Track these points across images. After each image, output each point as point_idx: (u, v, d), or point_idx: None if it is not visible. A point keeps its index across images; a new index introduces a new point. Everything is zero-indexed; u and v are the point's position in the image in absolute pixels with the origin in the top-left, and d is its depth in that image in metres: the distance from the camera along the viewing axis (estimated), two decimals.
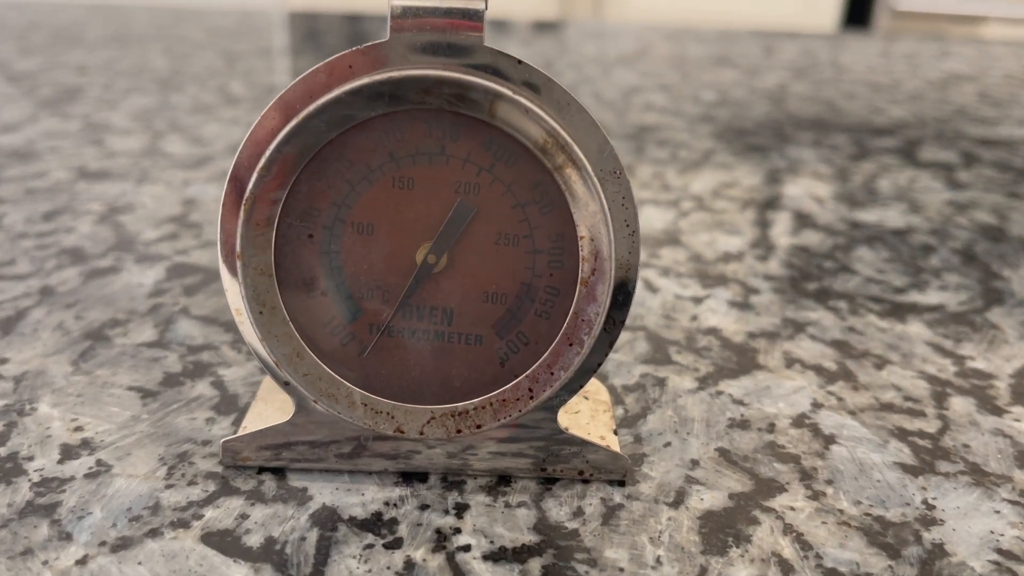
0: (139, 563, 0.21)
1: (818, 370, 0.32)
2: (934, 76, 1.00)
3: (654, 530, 0.23)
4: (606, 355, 0.24)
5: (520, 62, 0.22)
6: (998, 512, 0.25)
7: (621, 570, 0.22)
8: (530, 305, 0.23)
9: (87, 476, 0.24)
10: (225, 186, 0.23)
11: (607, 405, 0.28)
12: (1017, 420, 0.29)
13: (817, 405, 0.30)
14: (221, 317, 0.34)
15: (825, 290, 0.39)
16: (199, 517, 0.23)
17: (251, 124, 0.23)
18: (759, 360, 0.33)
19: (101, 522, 0.23)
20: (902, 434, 0.28)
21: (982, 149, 0.67)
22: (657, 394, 0.30)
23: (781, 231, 0.47)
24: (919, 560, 0.23)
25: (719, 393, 0.30)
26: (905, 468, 0.27)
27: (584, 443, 0.25)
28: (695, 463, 0.26)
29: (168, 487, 0.24)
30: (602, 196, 0.22)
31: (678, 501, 0.25)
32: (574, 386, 0.24)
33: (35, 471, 0.25)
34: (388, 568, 0.22)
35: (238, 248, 0.22)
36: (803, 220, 0.49)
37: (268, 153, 0.22)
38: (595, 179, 0.22)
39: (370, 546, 0.22)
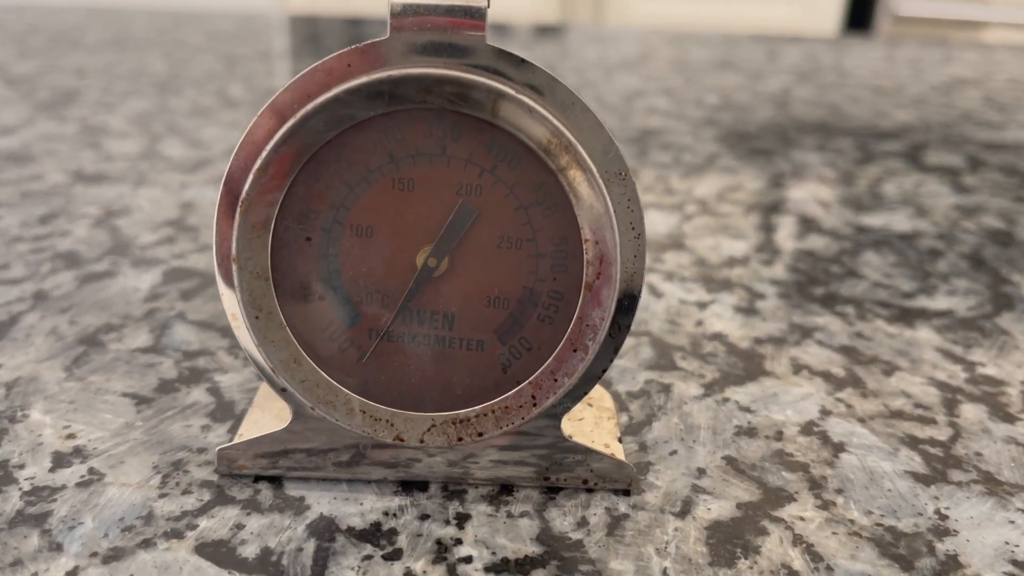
0: (131, 574, 0.21)
1: (826, 376, 0.32)
2: (938, 80, 0.99)
3: (660, 541, 0.23)
4: (611, 361, 0.24)
5: (523, 61, 0.22)
6: (1013, 522, 0.24)
7: None
8: (533, 310, 0.23)
9: (79, 485, 0.24)
10: (221, 188, 0.22)
11: (611, 412, 0.28)
12: None
13: (826, 412, 0.29)
14: (218, 322, 0.34)
15: (832, 295, 0.39)
16: (193, 527, 0.23)
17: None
18: (766, 366, 0.32)
19: (92, 532, 0.22)
20: (913, 442, 0.28)
21: (988, 153, 0.67)
22: (662, 401, 0.29)
23: (786, 235, 0.46)
24: (933, 572, 0.22)
25: (725, 400, 0.30)
26: (916, 477, 0.26)
27: (588, 451, 0.24)
28: (702, 472, 0.26)
29: (162, 496, 0.24)
30: (607, 198, 0.21)
31: (685, 511, 0.24)
32: (578, 393, 0.24)
33: (26, 479, 0.24)
34: None
35: (234, 251, 0.22)
36: (808, 224, 0.48)
37: (265, 153, 0.21)
38: (600, 181, 0.21)
39: (369, 557, 0.22)
